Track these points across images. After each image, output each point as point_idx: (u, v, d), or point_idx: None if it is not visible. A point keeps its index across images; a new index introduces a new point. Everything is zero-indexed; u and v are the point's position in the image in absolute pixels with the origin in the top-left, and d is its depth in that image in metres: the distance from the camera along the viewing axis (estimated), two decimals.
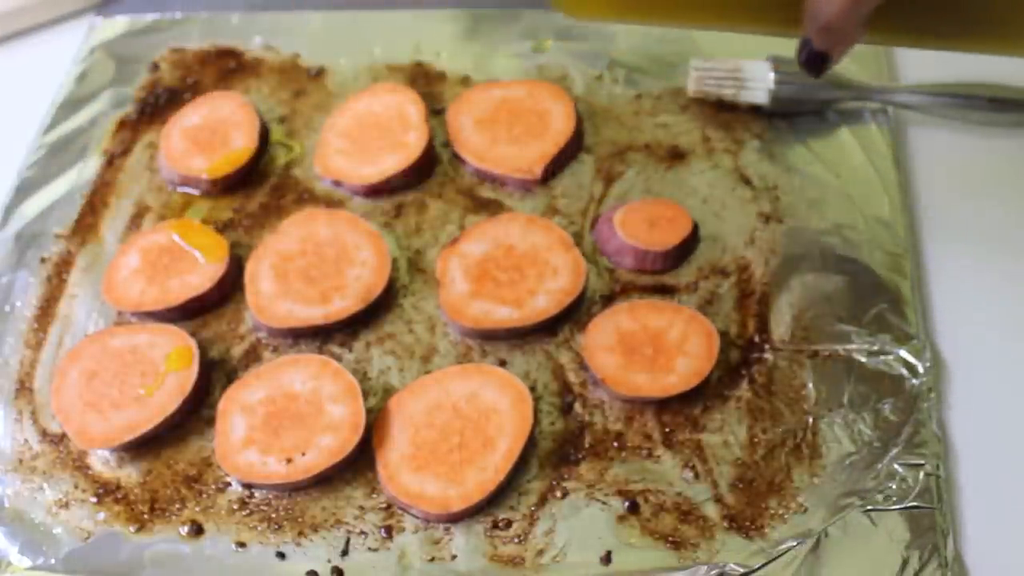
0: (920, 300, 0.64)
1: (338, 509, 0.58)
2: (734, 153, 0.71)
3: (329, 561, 0.56)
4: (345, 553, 0.56)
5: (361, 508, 0.58)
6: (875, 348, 0.61)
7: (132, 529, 0.58)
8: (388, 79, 0.77)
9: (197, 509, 0.58)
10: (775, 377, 0.61)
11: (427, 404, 0.60)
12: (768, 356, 0.62)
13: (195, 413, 0.61)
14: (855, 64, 0.73)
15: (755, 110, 0.73)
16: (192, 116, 0.75)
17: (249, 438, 0.59)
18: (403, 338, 0.64)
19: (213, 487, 0.59)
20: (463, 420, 0.59)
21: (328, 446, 0.58)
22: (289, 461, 0.58)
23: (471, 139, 0.72)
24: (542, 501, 0.57)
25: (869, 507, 0.55)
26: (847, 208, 0.68)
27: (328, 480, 0.58)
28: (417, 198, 0.71)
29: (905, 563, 0.54)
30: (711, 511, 0.56)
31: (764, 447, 0.58)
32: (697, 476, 0.58)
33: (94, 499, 0.59)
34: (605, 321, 0.62)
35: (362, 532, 0.57)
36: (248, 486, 0.59)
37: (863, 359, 0.61)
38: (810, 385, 0.60)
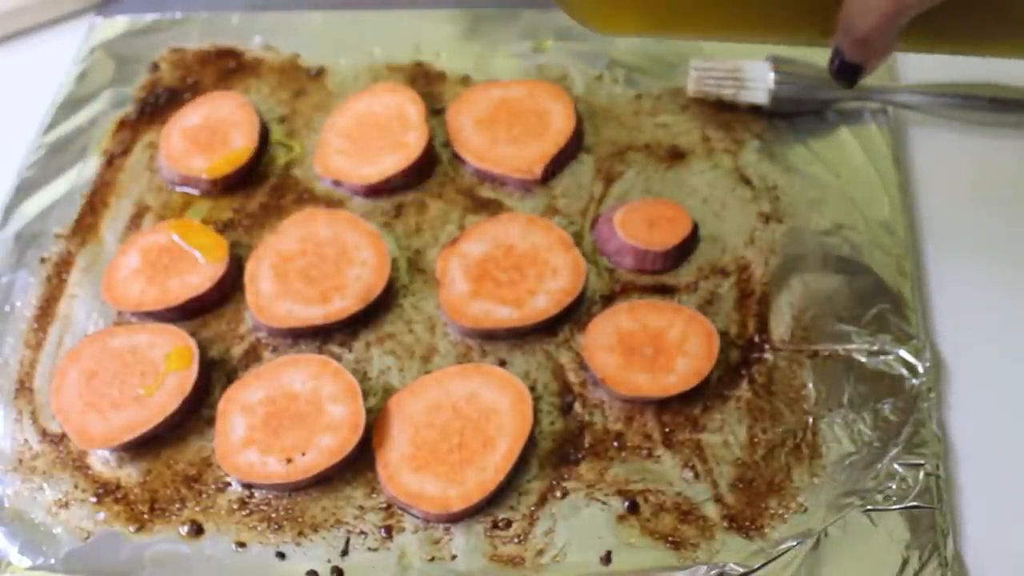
0: (920, 300, 0.64)
1: (338, 509, 0.58)
2: (734, 153, 0.71)
3: (329, 561, 0.56)
4: (345, 553, 0.56)
5: (361, 508, 0.58)
6: (875, 348, 0.61)
7: (132, 529, 0.58)
8: (388, 79, 0.77)
9: (197, 509, 0.58)
10: (775, 377, 0.61)
11: (427, 404, 0.60)
12: (768, 356, 0.61)
13: (195, 413, 0.61)
14: None
15: (755, 110, 0.73)
16: (192, 116, 0.75)
17: (249, 438, 0.59)
18: (403, 338, 0.64)
19: (213, 487, 0.59)
20: (463, 420, 0.59)
21: (328, 446, 0.58)
22: (289, 461, 0.58)
23: (471, 139, 0.72)
24: (542, 501, 0.57)
25: (869, 507, 0.55)
26: (847, 208, 0.67)
27: (328, 480, 0.58)
28: (417, 198, 0.71)
29: (905, 563, 0.54)
30: (711, 511, 0.56)
31: (764, 447, 0.58)
32: (697, 476, 0.58)
33: (94, 499, 0.59)
34: (605, 321, 0.62)
35: (362, 532, 0.57)
36: (248, 486, 0.59)
37: (863, 359, 0.61)
38: (810, 385, 0.60)
